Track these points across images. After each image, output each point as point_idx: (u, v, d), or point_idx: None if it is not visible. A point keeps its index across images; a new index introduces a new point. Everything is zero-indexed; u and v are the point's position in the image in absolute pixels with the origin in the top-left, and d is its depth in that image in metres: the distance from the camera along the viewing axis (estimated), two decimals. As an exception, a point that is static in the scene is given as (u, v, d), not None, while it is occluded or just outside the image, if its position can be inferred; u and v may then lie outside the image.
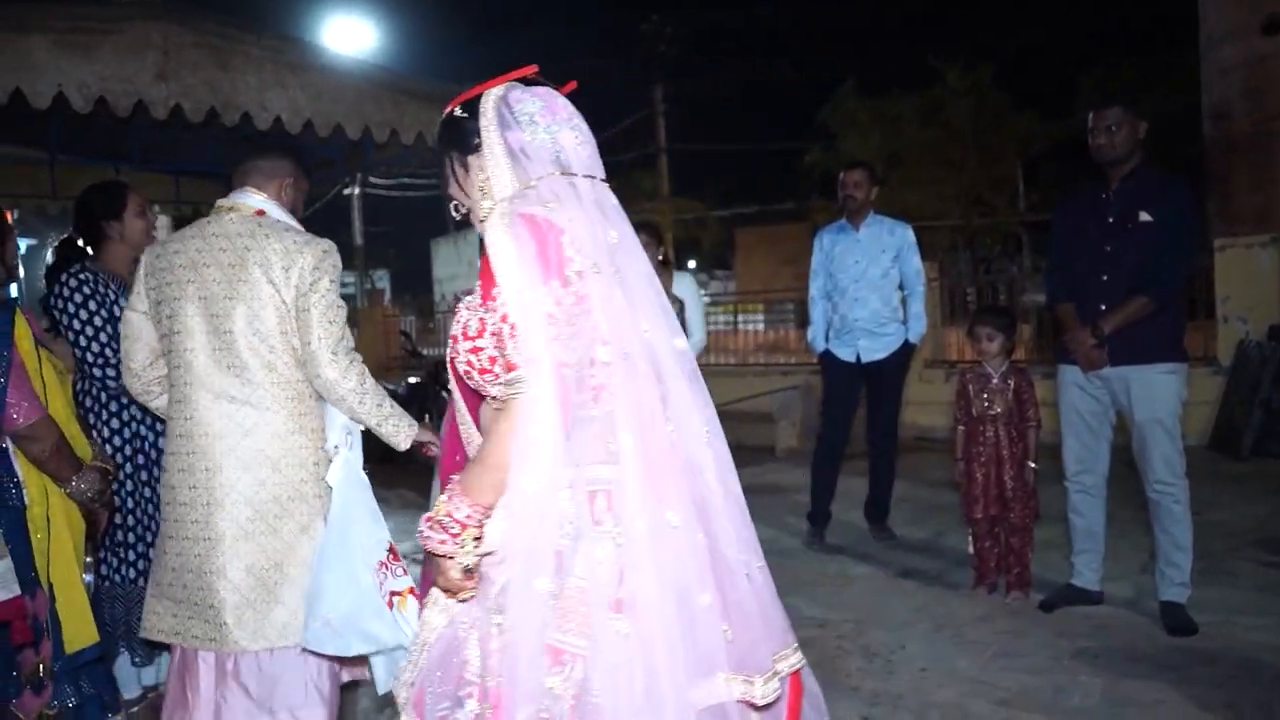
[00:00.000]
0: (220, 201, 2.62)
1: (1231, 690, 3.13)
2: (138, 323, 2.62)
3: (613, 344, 1.55)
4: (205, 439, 2.47)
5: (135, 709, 3.11)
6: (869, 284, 5.09)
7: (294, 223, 2.65)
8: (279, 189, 2.66)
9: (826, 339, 5.23)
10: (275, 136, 6.82)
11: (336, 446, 2.54)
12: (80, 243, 3.21)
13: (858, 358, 5.11)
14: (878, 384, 5.19)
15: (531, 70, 1.76)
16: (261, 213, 2.59)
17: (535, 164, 1.67)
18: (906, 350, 5.17)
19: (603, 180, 1.71)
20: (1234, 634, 3.63)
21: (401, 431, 2.58)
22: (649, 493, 1.54)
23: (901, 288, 5.19)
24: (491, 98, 1.71)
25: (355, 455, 2.55)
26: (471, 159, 1.74)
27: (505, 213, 1.61)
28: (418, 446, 2.65)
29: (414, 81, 7.34)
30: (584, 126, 1.71)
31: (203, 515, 2.46)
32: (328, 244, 2.55)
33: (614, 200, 1.71)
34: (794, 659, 1.64)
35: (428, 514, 1.64)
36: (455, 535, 1.60)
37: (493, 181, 1.72)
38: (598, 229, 1.61)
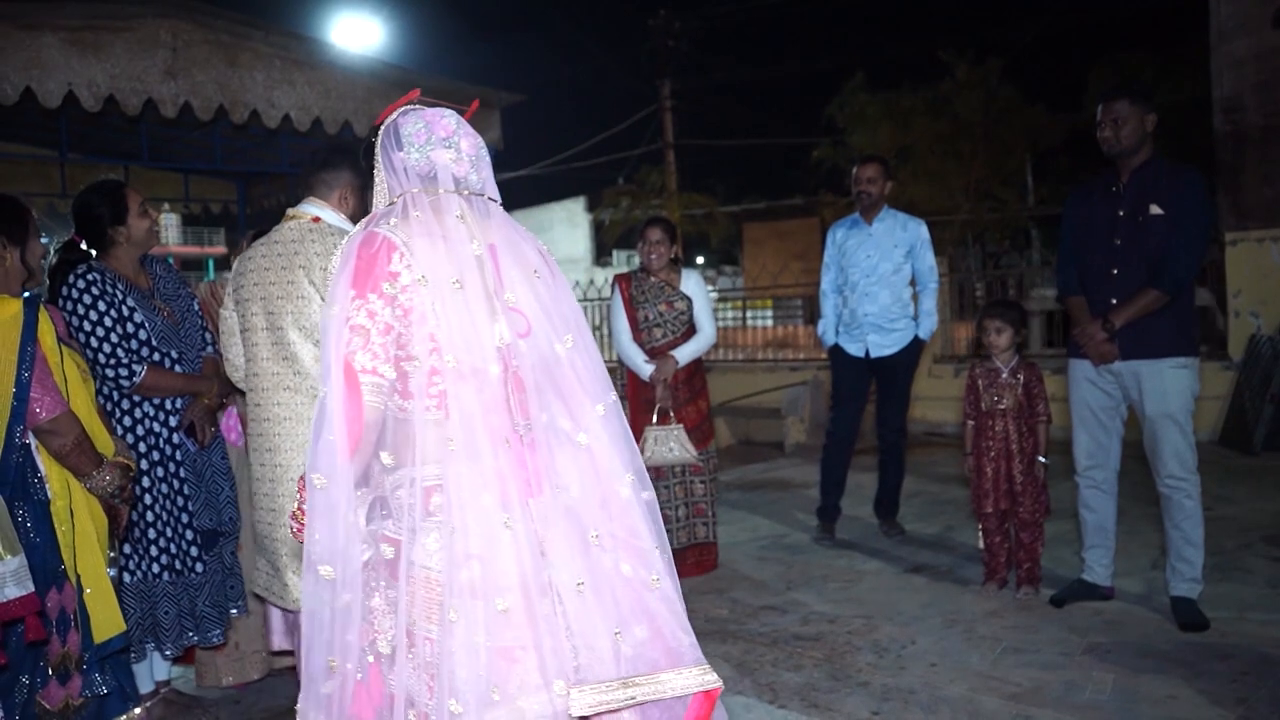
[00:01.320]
0: (288, 210, 2.91)
1: (1244, 686, 3.12)
2: (231, 322, 2.92)
3: (449, 351, 1.65)
4: (268, 423, 2.78)
5: (150, 703, 3.13)
6: (880, 279, 5.07)
7: (349, 228, 2.78)
8: (340, 197, 2.90)
9: (836, 333, 5.22)
10: (283, 134, 6.84)
11: None
12: (83, 245, 3.20)
13: (867, 353, 5.10)
14: (887, 379, 5.18)
15: (415, 94, 1.92)
16: (317, 220, 2.84)
17: (407, 181, 1.79)
18: (916, 346, 5.14)
19: (481, 195, 1.82)
20: (1247, 629, 3.61)
21: None
22: (480, 490, 1.63)
23: (913, 284, 5.17)
24: (389, 122, 1.85)
25: None
26: (375, 177, 1.89)
27: (356, 231, 1.76)
28: None
29: (422, 78, 7.34)
30: (465, 145, 1.82)
31: (269, 489, 2.81)
32: None
33: (494, 211, 1.81)
34: (685, 681, 1.66)
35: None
36: (301, 526, 1.69)
37: (376, 198, 1.87)
38: (454, 243, 1.70)
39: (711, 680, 1.67)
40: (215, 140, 7.71)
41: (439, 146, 1.79)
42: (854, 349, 5.13)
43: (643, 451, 4.53)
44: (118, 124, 6.89)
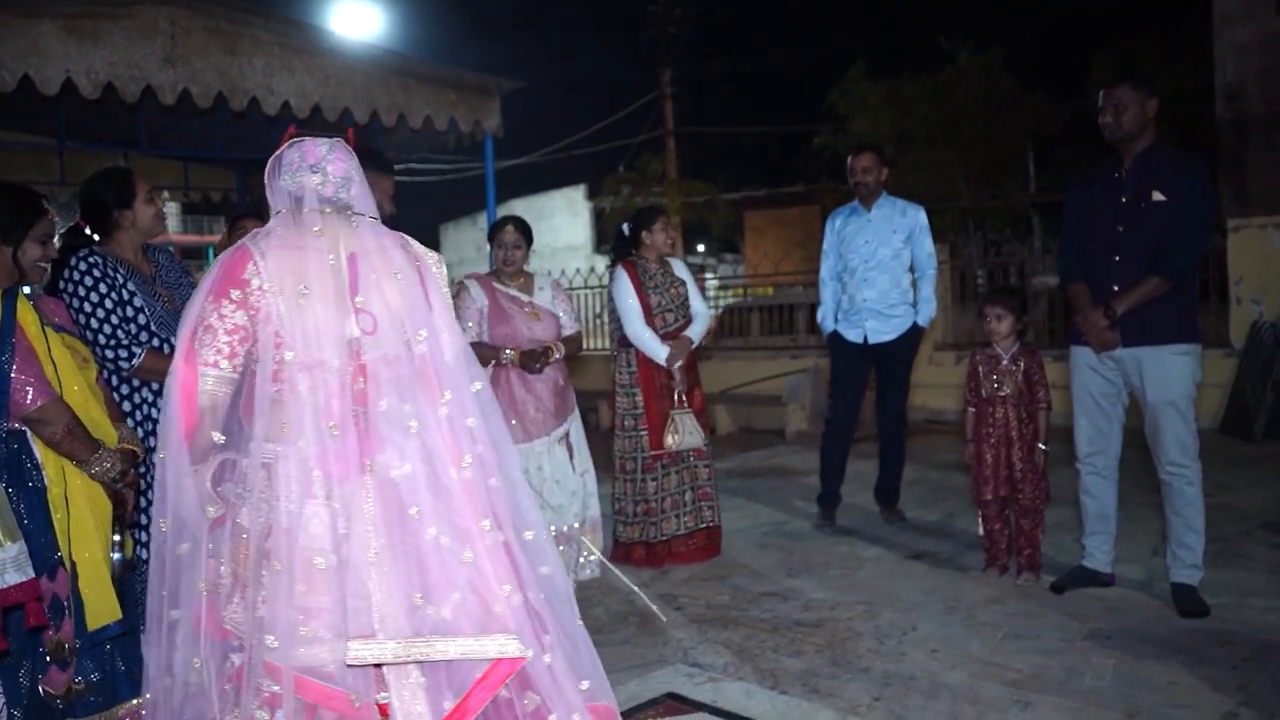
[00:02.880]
0: None
1: (1245, 672, 3.13)
2: None
3: (289, 347, 1.91)
4: None
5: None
6: (878, 264, 5.06)
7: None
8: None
9: (835, 320, 5.21)
10: (283, 121, 6.81)
11: None
12: (88, 231, 3.20)
13: (865, 339, 5.09)
14: (886, 367, 5.18)
15: (291, 130, 2.20)
16: None
17: (281, 202, 2.09)
18: (915, 333, 5.13)
19: (347, 210, 2.08)
20: (1247, 616, 3.62)
21: None
22: (306, 467, 1.88)
23: (912, 270, 5.16)
24: (276, 153, 2.14)
25: None
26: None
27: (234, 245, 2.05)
28: None
29: (422, 65, 7.33)
30: (332, 169, 2.09)
31: None
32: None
33: (362, 224, 2.07)
34: (481, 647, 1.87)
35: None
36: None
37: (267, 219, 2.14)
38: (309, 254, 1.98)
39: (512, 650, 1.88)
40: (214, 128, 7.70)
41: (307, 172, 2.07)
42: (852, 335, 5.13)
43: (675, 435, 4.55)
44: (117, 112, 6.88)
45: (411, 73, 7.12)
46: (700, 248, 32.00)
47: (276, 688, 1.84)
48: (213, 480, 1.94)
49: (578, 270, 12.94)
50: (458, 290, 4.27)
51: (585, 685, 2.02)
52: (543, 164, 25.62)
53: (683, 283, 4.80)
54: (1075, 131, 17.80)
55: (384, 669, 1.88)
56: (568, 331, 4.44)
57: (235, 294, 1.94)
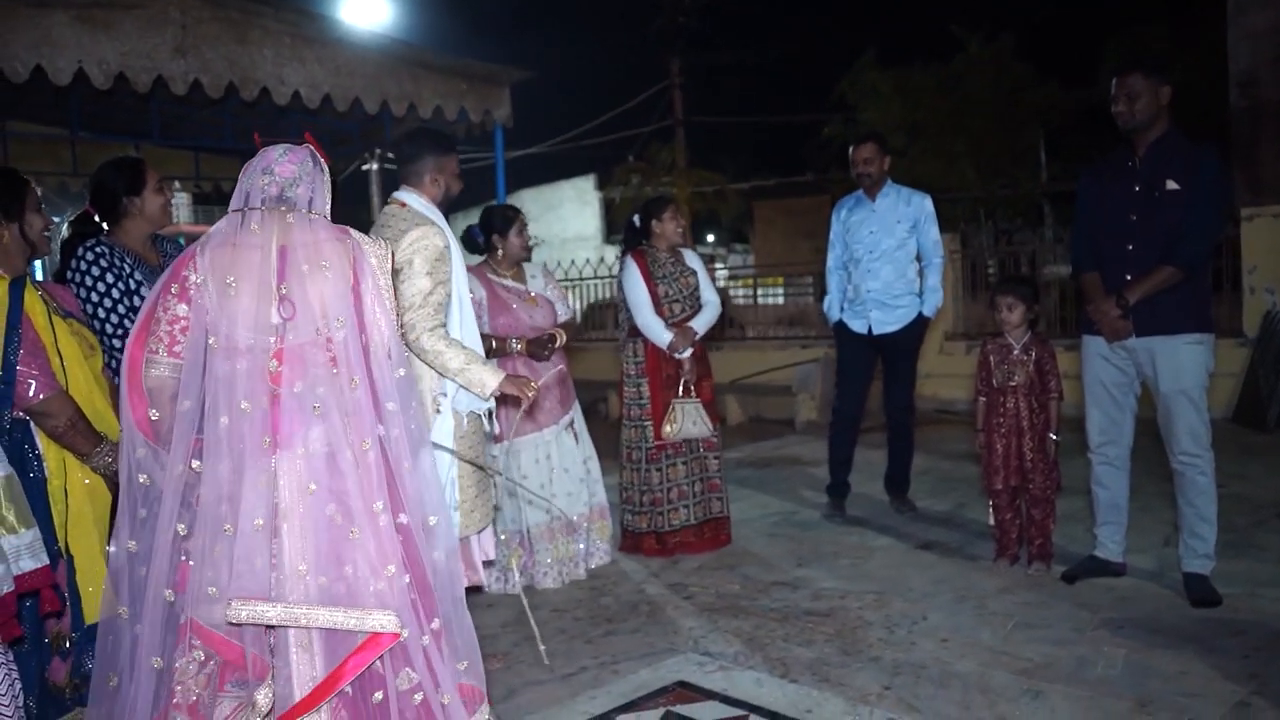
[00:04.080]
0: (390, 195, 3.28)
1: (1257, 661, 3.12)
2: None
3: (213, 334, 2.11)
4: None
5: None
6: (883, 254, 5.04)
7: (428, 212, 3.18)
8: (430, 180, 3.24)
9: (841, 310, 5.20)
10: (294, 112, 6.83)
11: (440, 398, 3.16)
12: (96, 218, 3.21)
13: (870, 329, 5.08)
14: (891, 357, 5.16)
15: (256, 139, 2.40)
16: (404, 204, 3.19)
17: (235, 202, 2.25)
18: (921, 324, 5.11)
19: (287, 207, 2.23)
20: (1259, 606, 3.61)
21: (485, 381, 3.06)
22: (222, 444, 2.06)
23: (919, 259, 5.14)
24: (248, 161, 2.31)
25: (445, 417, 3.16)
26: None
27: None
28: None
29: (432, 55, 7.31)
30: (280, 170, 2.25)
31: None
32: (415, 237, 3.05)
33: (300, 220, 2.22)
34: (353, 620, 2.02)
35: None
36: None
37: None
38: (241, 249, 2.16)
39: (390, 626, 2.02)
40: (225, 118, 7.70)
41: (259, 174, 2.25)
42: (857, 325, 5.11)
43: (673, 425, 4.55)
44: (128, 102, 6.89)
45: (421, 63, 7.11)
46: (710, 238, 31.92)
47: (197, 640, 2.08)
48: (190, 456, 2.12)
49: (587, 260, 12.93)
50: None
51: (463, 666, 2.18)
52: (552, 154, 25.55)
53: (693, 272, 4.79)
54: (1087, 120, 17.66)
55: (274, 631, 2.07)
56: (564, 317, 4.44)
57: (174, 288, 2.16)
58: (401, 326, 2.91)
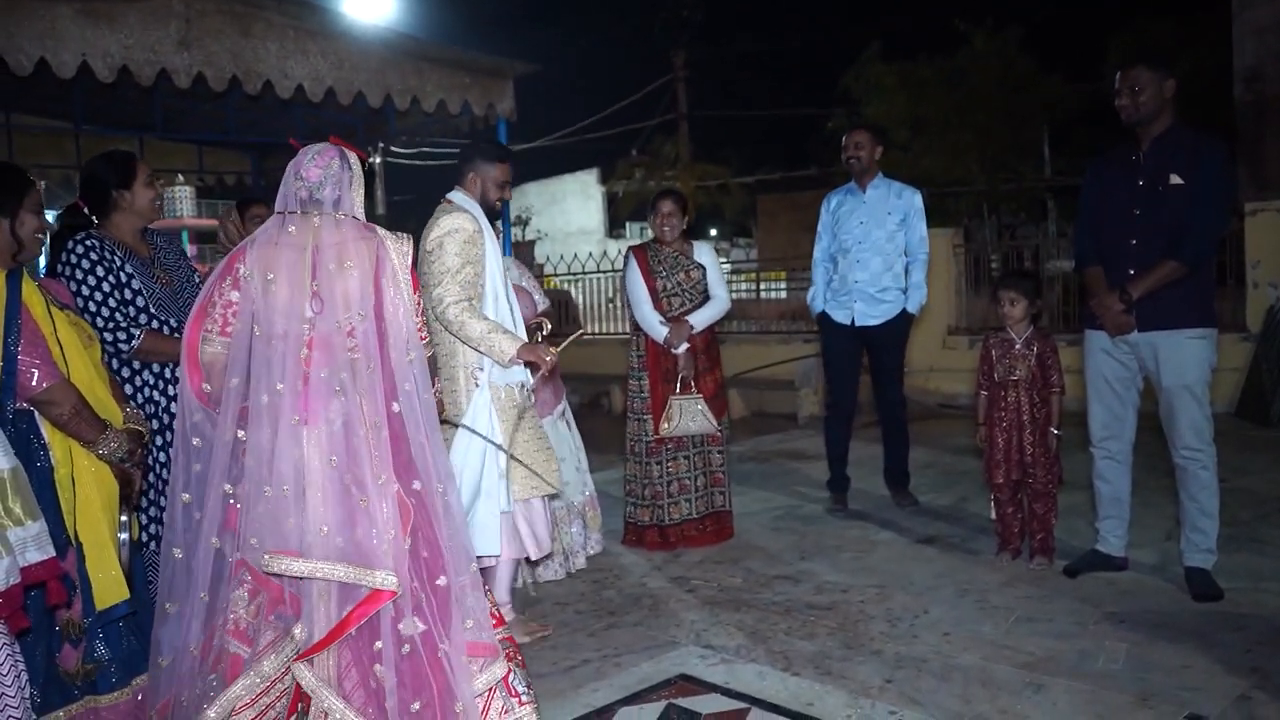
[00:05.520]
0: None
1: (1258, 655, 3.13)
2: None
3: (256, 322, 2.39)
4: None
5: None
6: (871, 246, 5.04)
7: (466, 204, 3.51)
8: (470, 181, 3.59)
9: (825, 301, 5.20)
10: (297, 105, 6.83)
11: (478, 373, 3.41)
12: (86, 211, 3.21)
13: (853, 320, 5.07)
14: (875, 352, 5.16)
15: (293, 142, 2.64)
16: (449, 201, 3.56)
17: (278, 205, 2.50)
18: (904, 319, 5.09)
19: (317, 210, 2.46)
20: (1261, 600, 3.61)
21: (504, 348, 3.29)
22: (261, 417, 2.33)
23: (906, 254, 5.13)
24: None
25: (483, 390, 3.40)
26: None
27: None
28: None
29: (435, 48, 7.32)
30: (308, 174, 2.48)
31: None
32: (446, 221, 3.40)
33: (329, 223, 2.45)
34: (362, 577, 2.27)
35: None
36: None
37: None
38: (281, 248, 2.42)
39: (390, 584, 2.26)
40: (229, 111, 7.71)
41: (292, 179, 2.49)
42: (840, 316, 5.11)
43: (669, 421, 4.55)
44: (132, 95, 6.89)
45: (424, 56, 7.11)
46: (713, 231, 31.91)
47: (247, 576, 2.41)
48: (237, 424, 2.40)
49: (590, 254, 12.93)
50: None
51: (469, 624, 2.37)
52: (556, 148, 25.56)
53: (699, 266, 4.72)
54: (1091, 114, 17.63)
55: (301, 580, 2.35)
56: (542, 307, 4.43)
57: (228, 279, 2.44)
58: (431, 302, 3.30)
